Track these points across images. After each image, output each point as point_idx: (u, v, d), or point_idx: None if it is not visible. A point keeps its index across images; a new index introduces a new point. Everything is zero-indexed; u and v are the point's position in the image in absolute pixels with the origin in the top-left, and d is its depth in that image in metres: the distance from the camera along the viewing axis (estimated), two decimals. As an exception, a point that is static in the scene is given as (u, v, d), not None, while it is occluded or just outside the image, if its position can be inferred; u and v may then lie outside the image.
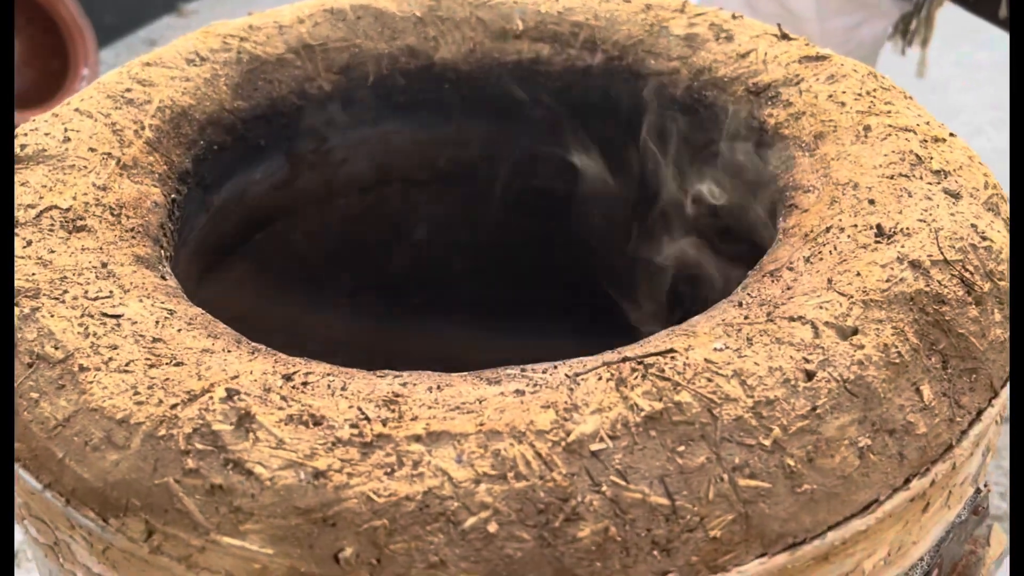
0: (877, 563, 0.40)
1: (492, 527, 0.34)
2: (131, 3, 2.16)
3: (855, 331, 0.40)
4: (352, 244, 0.77)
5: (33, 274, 0.43)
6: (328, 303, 0.80)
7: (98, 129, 0.54)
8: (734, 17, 0.66)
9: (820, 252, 0.45)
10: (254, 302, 0.72)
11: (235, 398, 0.37)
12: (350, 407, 0.37)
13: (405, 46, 0.67)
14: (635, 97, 0.66)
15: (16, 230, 0.46)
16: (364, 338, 0.80)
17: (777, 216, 0.54)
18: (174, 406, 0.37)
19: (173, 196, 0.55)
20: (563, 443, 0.35)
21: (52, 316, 0.41)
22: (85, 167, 0.51)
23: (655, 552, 0.34)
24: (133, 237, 0.49)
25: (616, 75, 0.67)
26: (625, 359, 0.39)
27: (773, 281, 0.44)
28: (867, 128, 0.53)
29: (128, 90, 0.57)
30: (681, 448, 0.36)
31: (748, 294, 0.44)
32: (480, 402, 0.38)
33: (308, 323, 0.77)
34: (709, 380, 0.38)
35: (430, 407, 0.37)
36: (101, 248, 0.46)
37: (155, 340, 0.41)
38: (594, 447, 0.35)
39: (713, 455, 0.36)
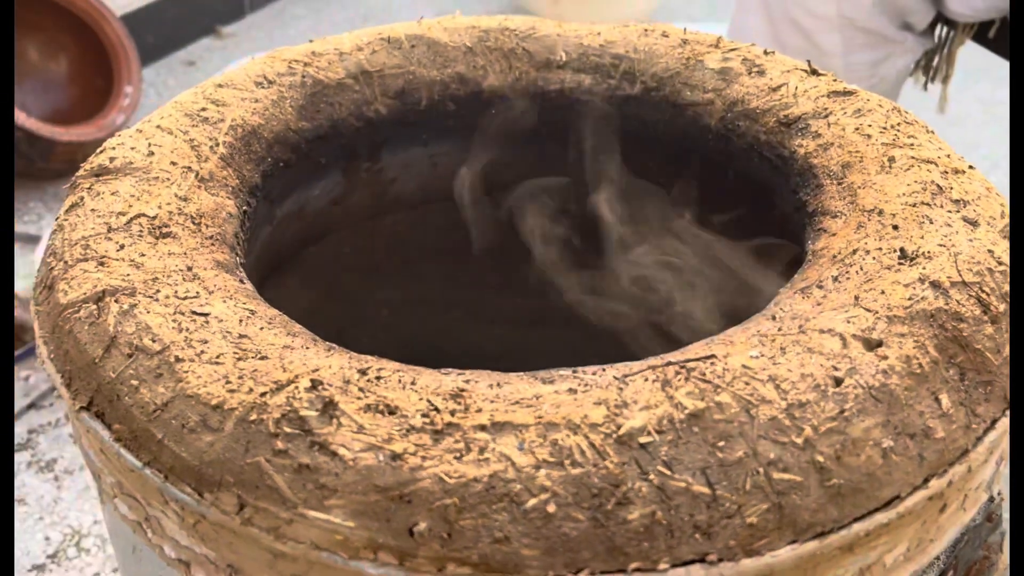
0: (897, 557, 0.43)
1: (551, 508, 0.37)
2: (172, 25, 2.23)
3: (880, 343, 0.44)
4: (397, 258, 0.82)
5: (128, 275, 0.48)
6: (374, 314, 0.84)
7: (178, 144, 0.58)
8: (766, 53, 0.71)
9: (847, 272, 0.49)
10: (305, 311, 0.76)
11: (319, 388, 0.41)
12: (420, 399, 0.41)
13: (456, 74, 0.72)
14: (671, 126, 0.70)
15: (110, 235, 0.50)
16: (408, 348, 0.84)
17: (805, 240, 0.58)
18: (263, 394, 0.41)
19: (244, 208, 0.59)
20: (614, 435, 0.39)
21: (148, 312, 0.45)
22: (168, 179, 0.55)
23: (697, 535, 0.38)
24: (212, 244, 0.53)
25: (653, 105, 0.71)
26: (669, 363, 0.43)
27: (804, 297, 0.48)
28: (891, 159, 0.57)
29: (203, 109, 0.62)
30: (721, 443, 0.39)
31: (781, 309, 0.48)
32: (537, 398, 0.41)
33: (354, 333, 0.81)
34: (747, 383, 0.41)
35: (492, 401, 0.41)
36: (185, 253, 0.51)
37: (241, 336, 0.45)
38: (642, 440, 0.39)
39: (750, 450, 0.39)
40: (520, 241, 0.83)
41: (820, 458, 0.40)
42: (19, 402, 1.43)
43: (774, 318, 0.47)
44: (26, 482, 1.30)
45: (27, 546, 1.20)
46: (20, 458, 1.34)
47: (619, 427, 0.39)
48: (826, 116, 0.63)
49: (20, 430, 1.38)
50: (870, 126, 0.61)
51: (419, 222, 0.80)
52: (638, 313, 0.69)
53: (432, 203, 0.79)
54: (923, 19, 1.15)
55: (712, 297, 0.70)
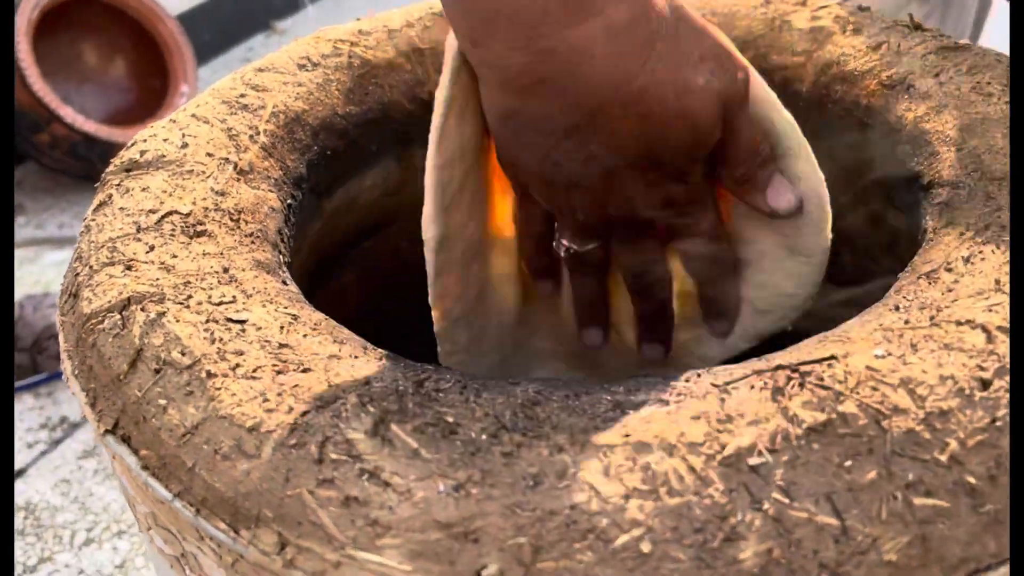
0: (1061, 592, 0.36)
1: (645, 546, 0.31)
2: (228, 22, 2.21)
3: (1033, 336, 0.37)
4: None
5: (157, 279, 0.43)
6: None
7: (215, 134, 0.53)
8: (861, 9, 0.63)
9: (981, 251, 0.42)
10: (361, 309, 0.71)
11: (368, 405, 0.35)
12: (486, 415, 0.35)
13: (515, 47, 0.66)
14: (757, 94, 0.63)
15: (139, 235, 0.45)
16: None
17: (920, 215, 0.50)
18: (305, 413, 0.35)
19: (289, 201, 0.54)
20: (718, 457, 0.33)
21: (178, 321, 0.40)
22: (203, 172, 0.50)
23: (824, 576, 0.31)
24: (252, 242, 0.48)
25: (736, 72, 0.64)
26: (779, 367, 0.36)
27: (930, 283, 0.41)
28: (1021, 119, 0.49)
29: (242, 95, 0.57)
30: (848, 463, 0.33)
31: (904, 297, 0.41)
32: (623, 412, 0.35)
33: (422, 330, 0.75)
34: (874, 389, 0.35)
35: (570, 416, 0.35)
36: (222, 253, 0.46)
37: (281, 346, 0.39)
38: (753, 461, 0.33)
39: (884, 471, 0.33)
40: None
41: (971, 479, 0.33)
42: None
43: (897, 308, 0.40)
44: (93, 491, 1.28)
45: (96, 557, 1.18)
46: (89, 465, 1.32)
47: (723, 447, 0.33)
48: (936, 75, 0.56)
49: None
50: (990, 83, 0.53)
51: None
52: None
53: (494, 190, 0.73)
54: None
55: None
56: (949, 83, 0.55)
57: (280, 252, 0.50)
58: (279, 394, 0.36)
